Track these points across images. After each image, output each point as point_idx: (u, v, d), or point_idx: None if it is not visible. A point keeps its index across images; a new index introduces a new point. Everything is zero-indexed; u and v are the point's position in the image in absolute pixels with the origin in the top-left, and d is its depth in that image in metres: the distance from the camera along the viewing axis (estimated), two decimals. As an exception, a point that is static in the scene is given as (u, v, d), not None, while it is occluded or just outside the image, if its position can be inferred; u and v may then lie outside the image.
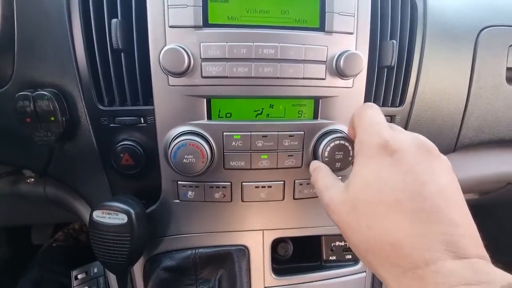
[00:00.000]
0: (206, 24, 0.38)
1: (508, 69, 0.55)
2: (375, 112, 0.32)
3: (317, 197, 0.46)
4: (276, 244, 0.53)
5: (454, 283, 0.19)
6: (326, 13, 0.39)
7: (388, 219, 0.24)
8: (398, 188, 0.24)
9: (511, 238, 0.97)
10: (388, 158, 0.26)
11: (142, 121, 0.42)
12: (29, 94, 0.39)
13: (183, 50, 0.37)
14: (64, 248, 0.98)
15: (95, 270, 0.55)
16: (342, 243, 0.53)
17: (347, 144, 0.40)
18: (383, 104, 0.47)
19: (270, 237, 0.49)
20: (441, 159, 0.27)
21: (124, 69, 0.40)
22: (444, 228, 0.22)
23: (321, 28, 0.39)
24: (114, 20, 0.38)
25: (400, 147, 0.27)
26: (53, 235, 1.05)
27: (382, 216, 0.24)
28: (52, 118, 0.40)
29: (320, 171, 0.37)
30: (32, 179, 0.53)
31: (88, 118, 0.42)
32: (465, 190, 0.67)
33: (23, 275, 0.79)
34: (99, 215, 0.40)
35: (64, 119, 0.41)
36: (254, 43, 0.38)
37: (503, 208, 0.98)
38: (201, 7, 0.37)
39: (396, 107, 0.48)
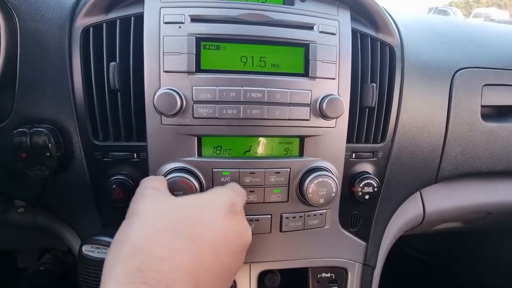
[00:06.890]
0: (198, 69, 0.40)
1: (483, 106, 0.59)
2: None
3: (304, 229, 0.48)
4: (264, 275, 0.53)
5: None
6: (310, 61, 0.42)
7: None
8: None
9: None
10: None
11: (135, 156, 0.44)
12: (26, 130, 0.41)
13: (176, 94, 0.39)
14: (52, 272, 0.95)
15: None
16: (328, 275, 0.54)
17: (330, 181, 0.43)
18: (365, 141, 0.50)
19: (257, 269, 0.50)
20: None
21: (120, 107, 0.42)
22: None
23: (305, 74, 0.43)
24: (112, 63, 0.41)
25: None
26: (39, 257, 1.02)
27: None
28: (48, 154, 0.42)
29: None
30: (23, 209, 0.53)
31: (82, 153, 0.44)
32: (449, 219, 0.70)
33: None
34: (88, 250, 0.41)
35: (59, 153, 0.42)
36: (243, 87, 0.41)
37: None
38: (194, 55, 0.40)
39: (377, 143, 0.51)
